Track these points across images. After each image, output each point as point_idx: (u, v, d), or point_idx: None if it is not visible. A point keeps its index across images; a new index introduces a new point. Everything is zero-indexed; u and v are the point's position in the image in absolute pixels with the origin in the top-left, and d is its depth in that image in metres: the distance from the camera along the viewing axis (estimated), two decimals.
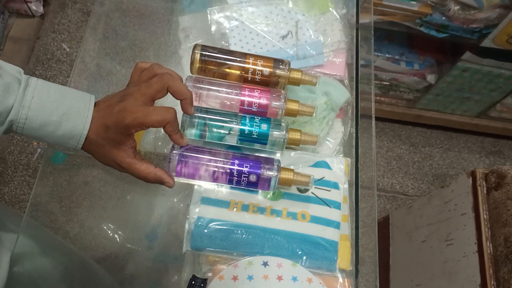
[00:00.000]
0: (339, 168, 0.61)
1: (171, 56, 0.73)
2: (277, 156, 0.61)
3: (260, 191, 0.59)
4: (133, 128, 0.48)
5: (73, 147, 0.50)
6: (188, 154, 0.54)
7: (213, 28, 0.71)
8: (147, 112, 0.47)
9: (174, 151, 0.54)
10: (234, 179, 0.55)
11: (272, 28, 0.71)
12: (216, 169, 0.54)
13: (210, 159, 0.55)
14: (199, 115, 0.56)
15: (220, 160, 0.55)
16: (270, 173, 0.55)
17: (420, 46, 1.51)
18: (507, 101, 1.57)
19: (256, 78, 0.59)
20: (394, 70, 1.50)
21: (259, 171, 0.55)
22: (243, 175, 0.54)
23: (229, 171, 0.54)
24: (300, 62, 0.68)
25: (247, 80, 0.60)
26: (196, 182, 0.58)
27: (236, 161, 0.55)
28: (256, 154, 0.59)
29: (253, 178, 0.54)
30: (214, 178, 0.55)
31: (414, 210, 1.15)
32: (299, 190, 0.59)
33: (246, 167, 0.54)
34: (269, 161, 0.55)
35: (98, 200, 0.68)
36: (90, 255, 0.69)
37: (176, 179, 0.55)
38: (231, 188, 0.58)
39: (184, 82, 0.53)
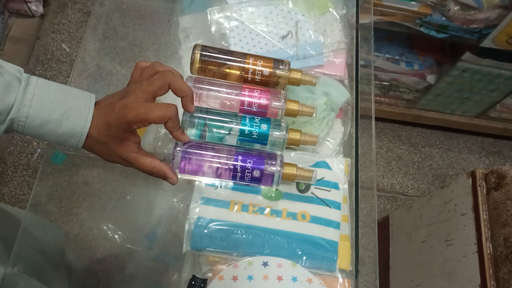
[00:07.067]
0: (339, 168, 0.61)
1: (171, 56, 0.73)
2: None
3: (260, 190, 0.59)
4: (135, 124, 0.48)
5: (74, 145, 0.50)
6: (191, 151, 0.54)
7: (213, 28, 0.71)
8: (149, 108, 0.47)
9: (177, 148, 0.54)
10: (237, 175, 0.55)
11: (272, 28, 0.71)
12: (219, 165, 0.55)
13: (214, 155, 0.55)
14: (199, 115, 0.56)
15: (223, 157, 0.55)
16: (274, 168, 0.55)
17: (420, 46, 1.51)
18: (507, 101, 1.57)
19: (256, 78, 0.59)
20: (394, 70, 1.50)
21: (262, 167, 0.55)
22: (246, 171, 0.55)
23: (232, 167, 0.55)
24: (300, 62, 0.68)
25: (247, 80, 0.60)
26: (199, 179, 0.58)
27: (240, 157, 0.55)
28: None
29: (256, 173, 0.55)
30: (218, 175, 0.55)
31: (414, 210, 1.15)
32: (299, 190, 0.59)
33: (250, 162, 0.55)
34: (272, 157, 0.56)
35: (98, 200, 0.68)
36: (90, 255, 0.69)
37: (179, 176, 0.55)
38: (232, 188, 0.58)
39: None
